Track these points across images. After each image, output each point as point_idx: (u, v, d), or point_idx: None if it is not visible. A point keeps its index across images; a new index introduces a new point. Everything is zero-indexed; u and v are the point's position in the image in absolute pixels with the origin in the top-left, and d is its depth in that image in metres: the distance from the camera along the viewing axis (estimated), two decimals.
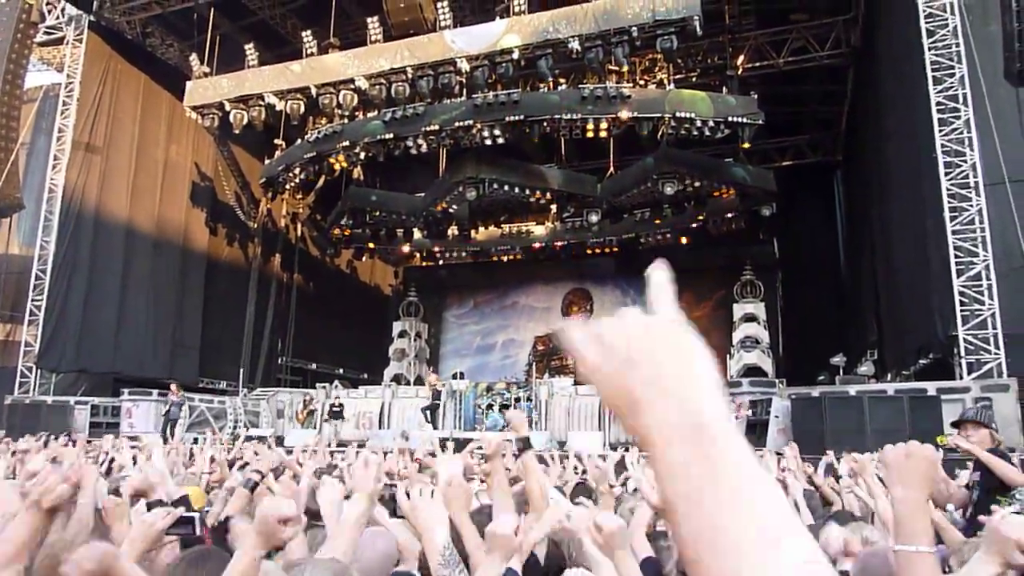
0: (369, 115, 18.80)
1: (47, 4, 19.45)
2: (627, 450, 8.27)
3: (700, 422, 0.58)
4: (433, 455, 6.58)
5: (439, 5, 16.37)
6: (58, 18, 19.64)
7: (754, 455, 0.59)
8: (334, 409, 16.83)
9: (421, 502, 1.99)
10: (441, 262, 26.37)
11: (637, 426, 0.60)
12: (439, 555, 1.94)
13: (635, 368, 0.61)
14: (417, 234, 23.74)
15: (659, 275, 0.68)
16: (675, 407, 0.59)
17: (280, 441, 14.29)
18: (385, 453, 7.28)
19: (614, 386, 0.62)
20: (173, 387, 16.74)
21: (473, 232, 23.43)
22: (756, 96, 16.77)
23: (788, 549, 0.53)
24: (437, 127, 17.69)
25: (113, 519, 2.50)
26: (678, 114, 16.27)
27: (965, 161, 12.01)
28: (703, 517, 0.55)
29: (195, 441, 13.84)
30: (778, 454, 7.75)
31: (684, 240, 22.01)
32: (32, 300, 18.21)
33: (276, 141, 20.52)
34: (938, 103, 12.26)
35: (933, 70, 12.42)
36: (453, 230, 23.15)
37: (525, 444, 2.94)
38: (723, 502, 0.55)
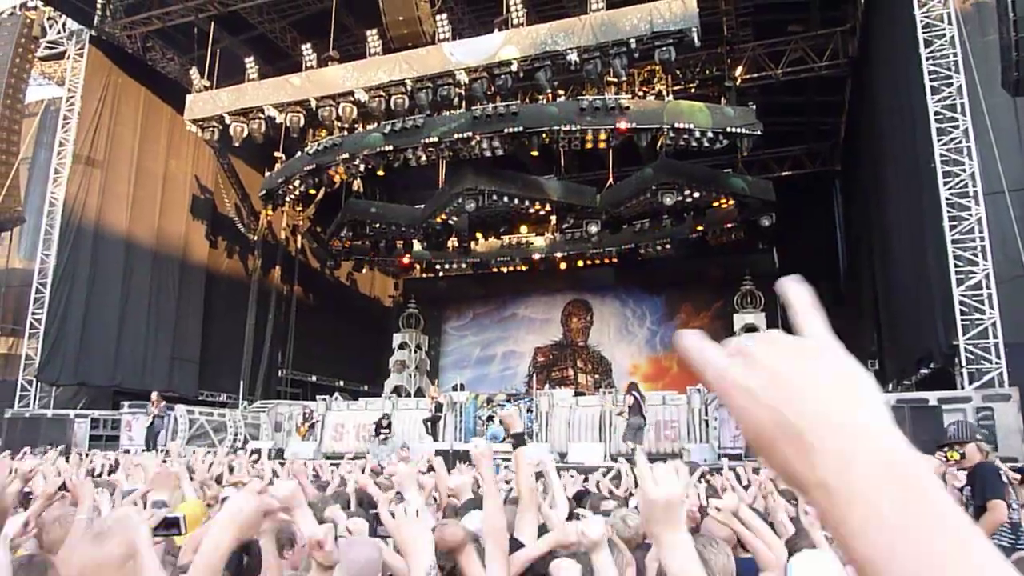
0: (368, 127, 18.85)
1: (48, 19, 19.55)
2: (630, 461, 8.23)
3: (894, 461, 0.50)
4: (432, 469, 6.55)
5: (438, 18, 16.45)
6: (59, 32, 19.74)
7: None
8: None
9: (405, 521, 1.98)
10: (441, 274, 26.35)
11: (803, 467, 0.52)
12: (424, 573, 1.91)
13: (801, 400, 0.53)
14: (417, 246, 23.75)
15: (799, 292, 0.60)
16: (862, 450, 0.50)
17: (280, 454, 14.26)
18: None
19: (770, 418, 0.53)
20: (154, 397, 16.56)
21: (472, 244, 23.44)
22: (754, 107, 16.82)
23: None
24: (436, 139, 17.74)
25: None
26: (677, 125, 16.31)
27: (964, 170, 12.03)
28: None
29: (194, 454, 13.78)
30: None
31: (683, 251, 22.01)
32: (32, 313, 18.20)
33: (276, 154, 20.57)
34: (936, 113, 12.29)
35: (931, 80, 12.46)
36: (453, 242, 23.16)
37: (518, 440, 2.93)
38: (944, 558, 0.47)
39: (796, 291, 0.60)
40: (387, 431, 16.10)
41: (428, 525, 2.05)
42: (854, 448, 0.51)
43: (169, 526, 1.97)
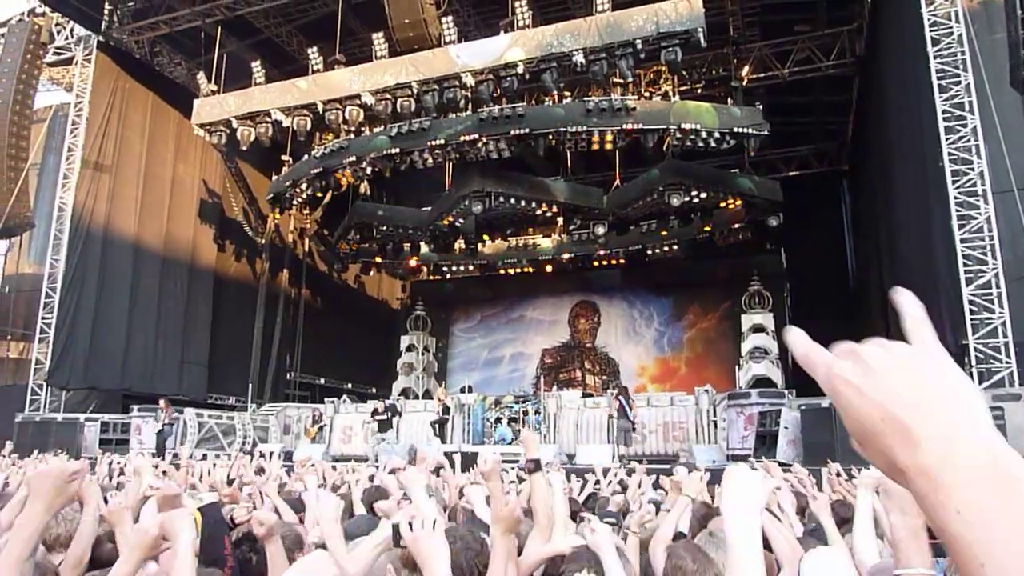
0: (375, 130, 18.91)
1: (56, 25, 19.67)
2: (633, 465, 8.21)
3: (997, 460, 0.55)
4: (441, 469, 6.56)
5: (444, 20, 16.47)
6: (67, 38, 19.85)
7: None
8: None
9: (423, 533, 1.99)
10: (448, 276, 26.40)
11: (907, 455, 0.57)
12: None
13: (908, 397, 0.58)
14: (424, 248, 23.80)
15: (913, 308, 0.66)
16: (964, 442, 0.56)
17: (288, 456, 14.28)
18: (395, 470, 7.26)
19: (878, 413, 0.59)
20: (162, 403, 16.59)
21: (480, 245, 23.46)
22: (761, 107, 16.80)
23: None
24: (443, 141, 17.76)
25: (116, 523, 2.52)
26: (683, 126, 16.29)
27: (972, 169, 11.96)
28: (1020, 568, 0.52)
29: (204, 457, 13.83)
30: (783, 465, 7.71)
31: (691, 251, 21.97)
32: (42, 318, 18.29)
33: (283, 157, 20.64)
34: (944, 111, 12.23)
35: (939, 78, 12.39)
36: (460, 244, 23.19)
37: (536, 465, 2.97)
38: None
39: (908, 302, 0.66)
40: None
41: (443, 538, 2.06)
42: (957, 440, 0.56)
43: None
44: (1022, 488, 0.54)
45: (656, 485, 6.10)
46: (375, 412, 16.35)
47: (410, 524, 2.03)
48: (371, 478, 6.42)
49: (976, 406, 0.58)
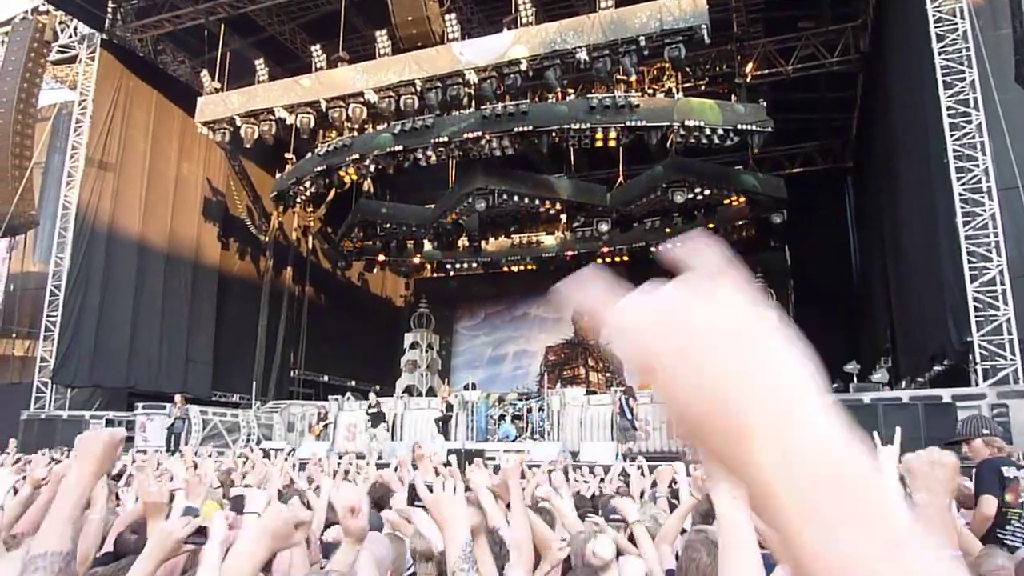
0: (378, 128, 18.92)
1: (60, 23, 19.70)
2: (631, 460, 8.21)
3: (837, 457, 0.45)
4: (448, 465, 6.57)
5: (447, 18, 16.47)
6: (71, 37, 19.88)
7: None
8: (371, 411, 16.61)
9: (444, 496, 2.01)
10: (452, 273, 26.41)
11: (740, 455, 0.45)
12: (460, 549, 1.95)
13: (743, 379, 0.46)
14: (427, 246, 23.81)
15: (699, 249, 0.53)
16: (807, 439, 0.45)
17: (291, 453, 14.30)
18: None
19: (706, 397, 0.46)
20: (177, 399, 16.72)
21: (483, 243, 23.47)
22: (765, 103, 16.75)
23: None
24: (446, 139, 17.77)
25: (151, 515, 2.53)
26: (687, 122, 16.27)
27: (977, 166, 11.93)
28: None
29: (209, 455, 13.87)
30: None
31: None
32: (47, 316, 18.34)
33: (287, 155, 20.66)
34: (949, 108, 12.19)
35: (943, 75, 12.35)
36: (463, 241, 23.21)
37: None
38: (873, 560, 0.42)
39: (693, 248, 0.52)
40: (442, 425, 16.37)
41: (464, 502, 2.09)
42: (797, 440, 0.45)
43: (199, 534, 2.01)
44: (864, 498, 0.44)
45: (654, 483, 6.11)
46: (370, 406, 16.66)
47: (430, 487, 2.05)
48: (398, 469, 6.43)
49: (817, 390, 0.47)
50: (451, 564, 1.94)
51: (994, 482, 4.20)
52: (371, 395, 17.77)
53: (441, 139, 17.80)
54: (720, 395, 0.46)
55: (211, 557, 1.90)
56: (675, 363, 0.47)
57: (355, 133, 18.99)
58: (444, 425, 16.60)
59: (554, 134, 17.21)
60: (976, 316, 11.53)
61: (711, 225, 20.60)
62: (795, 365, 0.47)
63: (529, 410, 17.15)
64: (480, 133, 17.45)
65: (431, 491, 2.05)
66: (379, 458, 12.57)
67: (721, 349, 0.46)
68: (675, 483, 4.89)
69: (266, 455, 9.60)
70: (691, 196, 18.76)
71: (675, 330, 0.48)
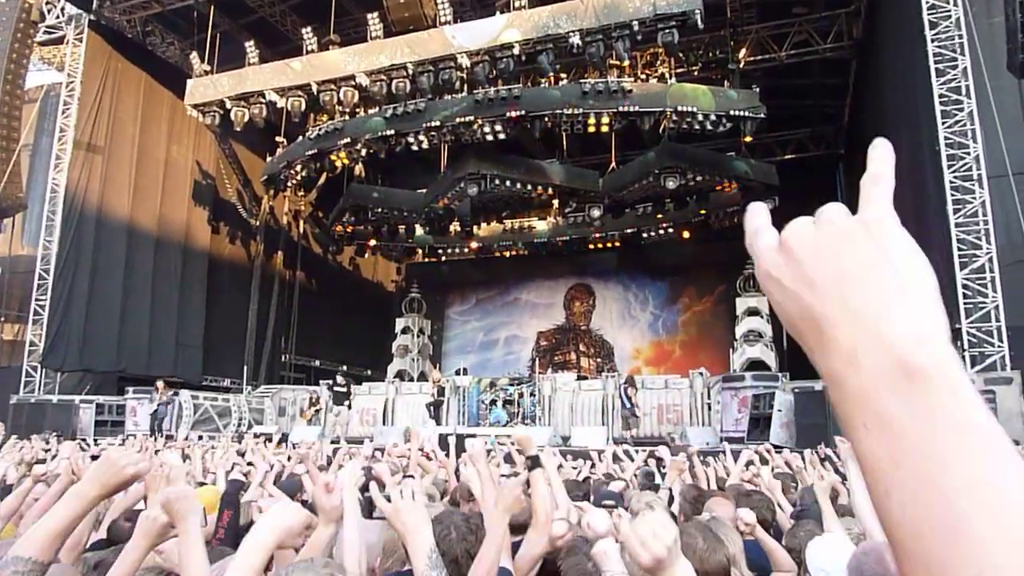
0: (370, 112, 18.79)
1: (47, 3, 19.44)
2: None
3: (911, 362, 0.45)
4: (433, 453, 6.59)
5: (439, 1, 16.34)
6: (58, 17, 19.63)
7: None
8: (337, 389, 16.91)
9: (404, 504, 1.97)
10: (443, 258, 26.37)
11: (820, 358, 0.49)
12: (426, 557, 1.91)
13: (820, 287, 0.49)
14: (419, 231, 23.74)
15: (878, 161, 0.56)
16: (873, 338, 0.46)
17: (284, 438, 14.33)
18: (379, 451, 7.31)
19: (795, 308, 0.50)
20: (159, 385, 16.70)
21: (475, 228, 23.42)
22: (758, 90, 16.71)
23: None
24: (438, 123, 17.68)
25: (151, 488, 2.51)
26: (680, 108, 16.24)
27: (968, 153, 11.96)
28: (933, 499, 0.42)
29: (200, 438, 13.87)
30: (776, 448, 7.76)
31: (686, 234, 21.97)
32: (36, 300, 18.24)
33: (277, 139, 20.53)
34: (941, 95, 12.21)
35: (936, 62, 12.36)
36: (455, 226, 23.15)
37: (534, 463, 2.98)
38: (960, 480, 0.41)
39: (877, 155, 0.57)
40: (433, 410, 16.55)
41: (424, 508, 2.05)
42: (864, 341, 0.46)
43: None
44: (946, 401, 0.44)
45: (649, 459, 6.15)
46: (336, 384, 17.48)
47: (387, 497, 2.01)
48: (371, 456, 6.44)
49: (912, 288, 0.48)
50: (418, 573, 1.92)
51: None
52: (338, 376, 18.28)
53: (433, 123, 17.70)
54: (801, 306, 0.50)
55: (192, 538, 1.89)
56: (783, 275, 0.52)
57: (346, 117, 18.86)
58: (435, 410, 16.64)
59: (547, 119, 17.14)
60: (965, 303, 11.62)
61: (703, 211, 20.62)
62: (885, 267, 0.49)
63: (520, 395, 17.20)
64: (472, 117, 17.37)
65: (389, 501, 2.00)
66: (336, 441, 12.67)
67: (817, 262, 0.50)
68: (663, 466, 4.91)
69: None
70: (683, 182, 18.74)
71: (789, 257, 0.52)
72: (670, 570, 1.32)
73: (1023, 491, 0.41)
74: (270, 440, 11.66)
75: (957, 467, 0.42)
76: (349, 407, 17.59)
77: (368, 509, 3.26)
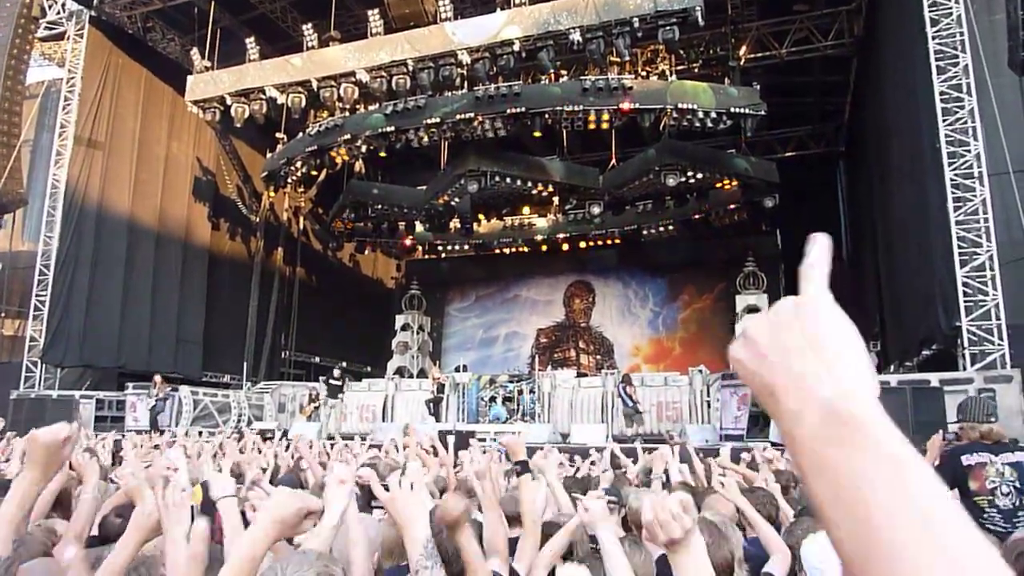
0: (370, 108, 18.78)
1: None
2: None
3: (840, 411, 0.53)
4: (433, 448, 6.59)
5: None
6: (59, 13, 19.60)
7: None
8: (332, 382, 17.05)
9: (401, 493, 1.97)
10: (443, 255, 26.38)
11: (780, 425, 0.58)
12: (421, 547, 1.91)
13: (769, 360, 0.59)
14: (419, 227, 23.74)
15: (816, 246, 0.65)
16: (812, 399, 0.55)
17: (284, 434, 14.33)
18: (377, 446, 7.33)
19: (755, 383, 0.61)
20: (157, 380, 16.70)
21: (475, 225, 23.42)
22: (758, 87, 16.70)
23: None
24: (438, 120, 17.66)
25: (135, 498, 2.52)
26: (680, 105, 16.23)
27: (969, 151, 11.95)
28: (862, 530, 0.49)
29: (200, 434, 13.87)
30: (775, 446, 7.76)
31: (686, 232, 21.97)
32: (36, 295, 18.25)
33: (277, 135, 20.50)
34: (941, 93, 12.19)
35: (937, 59, 12.34)
36: (455, 223, 23.14)
37: (523, 468, 3.02)
38: (889, 515, 0.49)
39: (815, 247, 0.65)
40: (432, 406, 16.56)
41: (424, 498, 2.05)
42: (805, 401, 0.55)
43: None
44: (867, 441, 0.52)
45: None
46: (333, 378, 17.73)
47: (386, 486, 2.01)
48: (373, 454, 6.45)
49: (842, 354, 0.56)
50: (413, 563, 1.91)
51: (945, 476, 4.19)
52: (335, 370, 18.56)
53: (433, 120, 17.69)
54: (760, 381, 0.60)
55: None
56: (746, 356, 0.62)
57: (347, 113, 18.85)
58: (435, 407, 16.67)
59: (547, 116, 17.13)
60: (965, 301, 11.61)
61: (703, 208, 20.63)
62: (819, 337, 0.59)
63: (520, 392, 17.22)
64: (472, 114, 17.35)
65: (387, 490, 2.00)
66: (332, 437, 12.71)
67: (768, 340, 0.61)
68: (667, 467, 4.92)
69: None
70: (683, 179, 18.74)
71: (746, 342, 0.63)
72: (687, 547, 1.42)
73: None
74: (271, 437, 11.69)
75: (881, 496, 0.49)
76: (342, 400, 17.79)
77: (365, 502, 3.27)
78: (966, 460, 4.21)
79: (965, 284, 11.65)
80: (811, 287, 0.62)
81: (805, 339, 0.58)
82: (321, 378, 19.02)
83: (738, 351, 0.62)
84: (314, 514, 1.79)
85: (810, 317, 0.59)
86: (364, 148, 19.00)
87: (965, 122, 12.04)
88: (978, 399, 4.56)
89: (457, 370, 19.62)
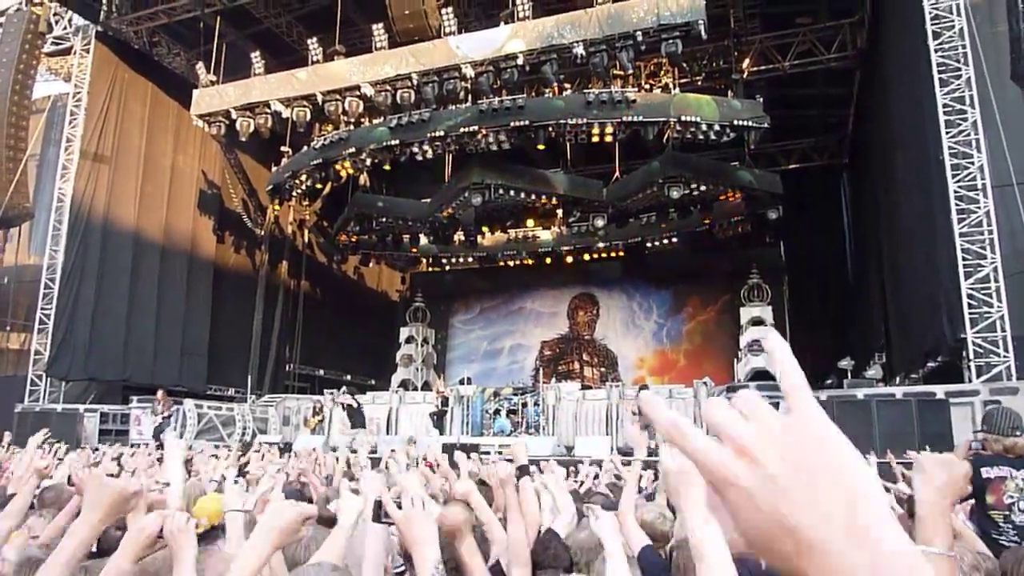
0: (375, 122, 18.87)
1: (54, 14, 19.59)
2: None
3: (880, 565, 0.50)
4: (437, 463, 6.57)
5: (444, 11, 16.42)
6: (65, 28, 19.77)
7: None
8: (350, 405, 16.89)
9: (414, 513, 1.94)
10: (447, 267, 26.41)
11: (803, 563, 0.51)
12: (432, 568, 1.88)
13: (802, 504, 0.52)
14: (423, 240, 23.77)
15: (790, 367, 0.57)
16: (865, 556, 0.50)
17: (288, 448, 14.31)
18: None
19: (772, 520, 0.52)
20: (160, 395, 16.68)
21: (479, 238, 23.44)
22: (762, 99, 16.74)
23: None
24: (442, 133, 17.73)
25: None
26: (683, 118, 16.26)
27: (972, 163, 11.95)
28: None
29: (215, 447, 13.85)
30: None
31: (690, 244, 21.96)
32: (41, 309, 18.30)
33: (282, 148, 20.58)
34: (945, 105, 12.22)
35: (939, 72, 12.37)
36: (459, 236, 23.17)
37: (523, 472, 3.04)
38: None
39: (783, 357, 0.57)
40: (437, 419, 16.46)
41: (434, 519, 2.03)
42: (855, 556, 0.51)
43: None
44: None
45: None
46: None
47: (398, 503, 1.99)
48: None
49: (866, 498, 0.52)
50: None
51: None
52: (344, 394, 18.11)
53: (437, 133, 17.75)
54: (782, 520, 0.52)
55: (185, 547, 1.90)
56: (748, 493, 0.54)
57: (351, 127, 18.94)
58: (439, 419, 16.63)
59: (550, 129, 17.17)
60: (970, 313, 11.57)
61: (707, 220, 20.63)
62: (843, 483, 0.53)
63: (524, 405, 17.18)
64: (476, 127, 17.40)
65: (400, 508, 1.98)
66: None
67: (784, 481, 0.53)
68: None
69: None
70: (687, 191, 18.76)
71: (753, 467, 0.54)
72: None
73: None
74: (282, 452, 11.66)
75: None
76: (364, 426, 17.13)
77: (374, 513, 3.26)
78: (986, 472, 4.18)
79: (970, 296, 11.63)
80: (810, 414, 0.55)
81: (837, 478, 0.52)
82: (327, 392, 18.97)
83: (741, 474, 0.53)
84: (311, 519, 1.79)
85: (836, 451, 0.53)
86: (369, 161, 19.06)
87: (968, 134, 12.05)
88: (1004, 410, 4.50)
89: (461, 383, 19.57)
